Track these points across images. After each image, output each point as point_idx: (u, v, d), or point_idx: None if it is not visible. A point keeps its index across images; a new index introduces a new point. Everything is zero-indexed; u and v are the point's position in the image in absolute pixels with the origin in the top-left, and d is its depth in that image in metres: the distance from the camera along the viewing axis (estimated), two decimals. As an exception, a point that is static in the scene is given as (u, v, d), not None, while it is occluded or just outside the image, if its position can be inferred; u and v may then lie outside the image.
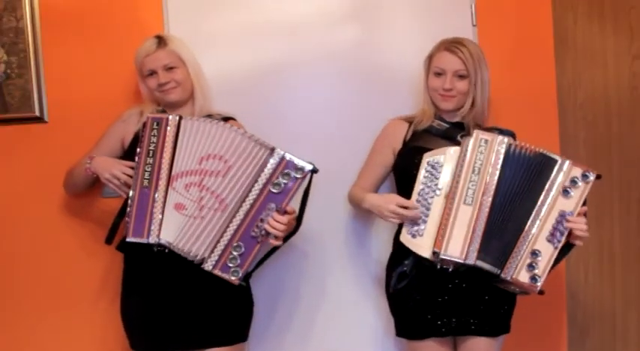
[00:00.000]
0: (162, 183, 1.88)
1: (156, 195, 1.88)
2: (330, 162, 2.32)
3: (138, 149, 1.92)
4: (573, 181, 1.88)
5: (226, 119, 2.10)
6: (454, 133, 2.00)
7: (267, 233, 1.84)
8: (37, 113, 2.34)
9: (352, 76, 2.37)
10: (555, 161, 1.89)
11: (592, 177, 1.89)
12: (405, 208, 1.89)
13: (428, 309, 2.00)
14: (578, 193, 1.89)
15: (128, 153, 2.05)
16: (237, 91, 2.26)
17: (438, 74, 2.04)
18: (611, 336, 2.59)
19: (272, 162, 1.84)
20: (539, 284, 1.86)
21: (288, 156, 1.85)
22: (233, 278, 1.85)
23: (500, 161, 1.87)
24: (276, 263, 2.32)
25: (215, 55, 2.25)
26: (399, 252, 2.00)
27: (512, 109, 2.33)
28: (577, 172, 1.89)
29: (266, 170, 1.84)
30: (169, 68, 2.04)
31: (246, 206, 1.84)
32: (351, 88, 2.37)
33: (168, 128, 1.89)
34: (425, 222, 1.89)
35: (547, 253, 1.86)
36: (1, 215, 2.37)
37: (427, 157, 1.92)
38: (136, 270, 2.00)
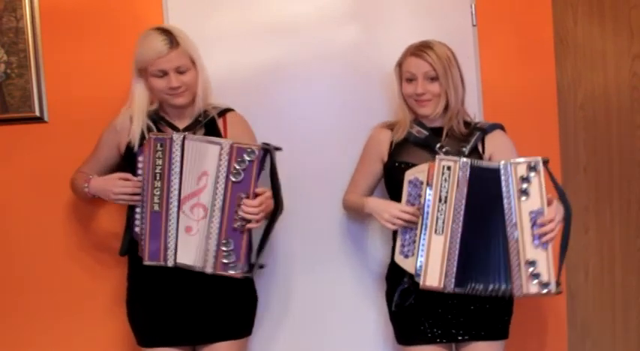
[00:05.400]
0: (174, 207, 1.91)
1: (169, 219, 1.91)
2: (329, 161, 2.33)
3: (140, 168, 1.94)
4: (524, 180, 1.83)
5: (224, 112, 2.09)
6: (433, 142, 2.00)
7: (247, 221, 1.87)
8: (37, 113, 2.34)
9: (352, 76, 2.36)
10: (496, 170, 1.85)
11: (539, 165, 1.82)
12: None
13: (426, 317, 1.99)
14: (535, 188, 1.83)
15: (125, 162, 2.05)
16: (236, 91, 2.25)
17: (410, 80, 2.02)
18: (611, 336, 2.59)
19: (224, 154, 1.88)
20: (551, 288, 1.82)
21: (235, 144, 1.88)
22: (233, 273, 1.89)
23: (466, 187, 1.84)
24: (272, 265, 2.33)
25: (215, 54, 2.24)
26: (396, 265, 1.99)
27: (512, 109, 2.33)
28: (522, 168, 1.83)
29: (222, 163, 1.88)
30: (180, 71, 1.97)
31: (218, 204, 1.88)
32: (350, 88, 2.37)
33: (174, 150, 1.90)
34: (414, 242, 1.89)
35: (542, 257, 1.83)
36: (0, 215, 2.37)
37: (408, 176, 1.92)
38: (142, 269, 1.99)
